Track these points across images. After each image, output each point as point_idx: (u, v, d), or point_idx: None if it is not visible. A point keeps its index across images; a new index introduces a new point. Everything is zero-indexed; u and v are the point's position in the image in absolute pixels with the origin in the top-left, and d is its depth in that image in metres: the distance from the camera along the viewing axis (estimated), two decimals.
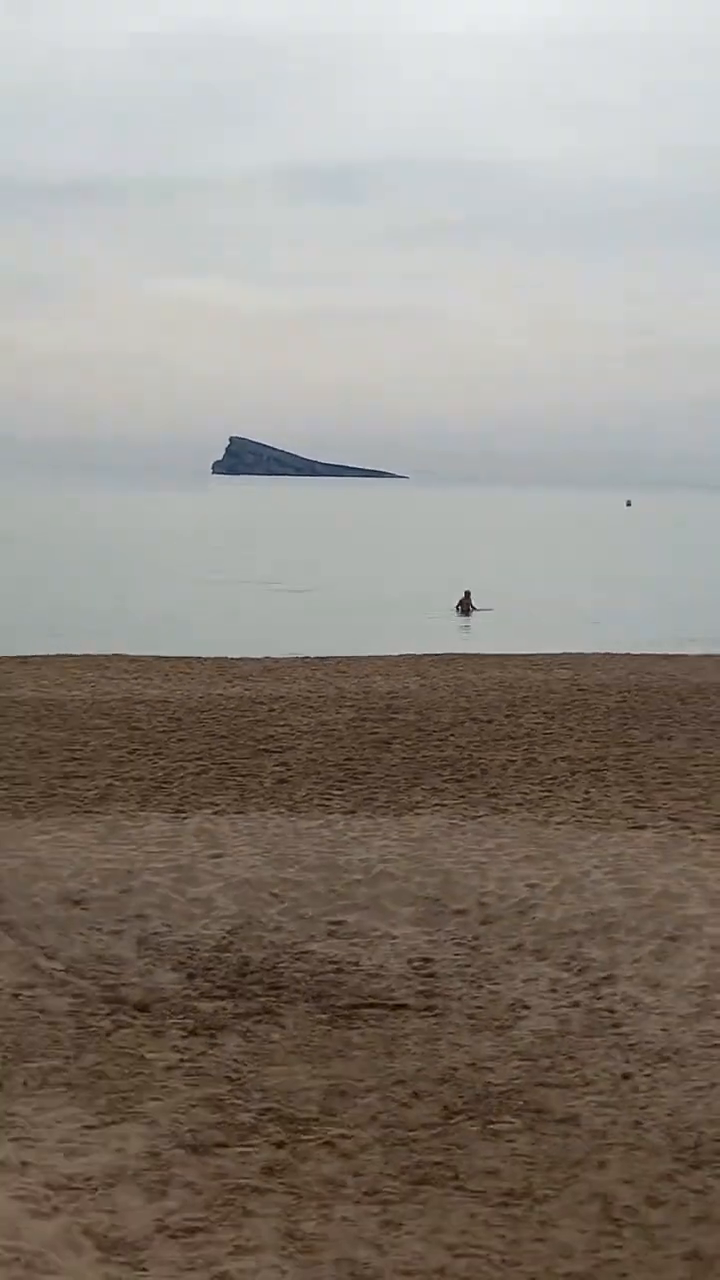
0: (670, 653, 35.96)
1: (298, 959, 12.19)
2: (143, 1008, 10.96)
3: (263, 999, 11.24)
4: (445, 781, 18.86)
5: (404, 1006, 11.14)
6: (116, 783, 18.49)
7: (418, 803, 17.56)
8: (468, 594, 48.16)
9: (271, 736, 22.02)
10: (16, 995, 10.99)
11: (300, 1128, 8.88)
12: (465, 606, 47.66)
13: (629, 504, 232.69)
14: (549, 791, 18.30)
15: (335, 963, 12.11)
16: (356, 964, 12.09)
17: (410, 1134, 8.84)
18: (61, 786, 18.19)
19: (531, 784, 18.76)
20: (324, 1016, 10.90)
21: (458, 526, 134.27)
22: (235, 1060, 9.99)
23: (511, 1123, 9.02)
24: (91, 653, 33.17)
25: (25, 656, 32.10)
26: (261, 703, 25.46)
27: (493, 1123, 9.02)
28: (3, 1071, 9.53)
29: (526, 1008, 11.11)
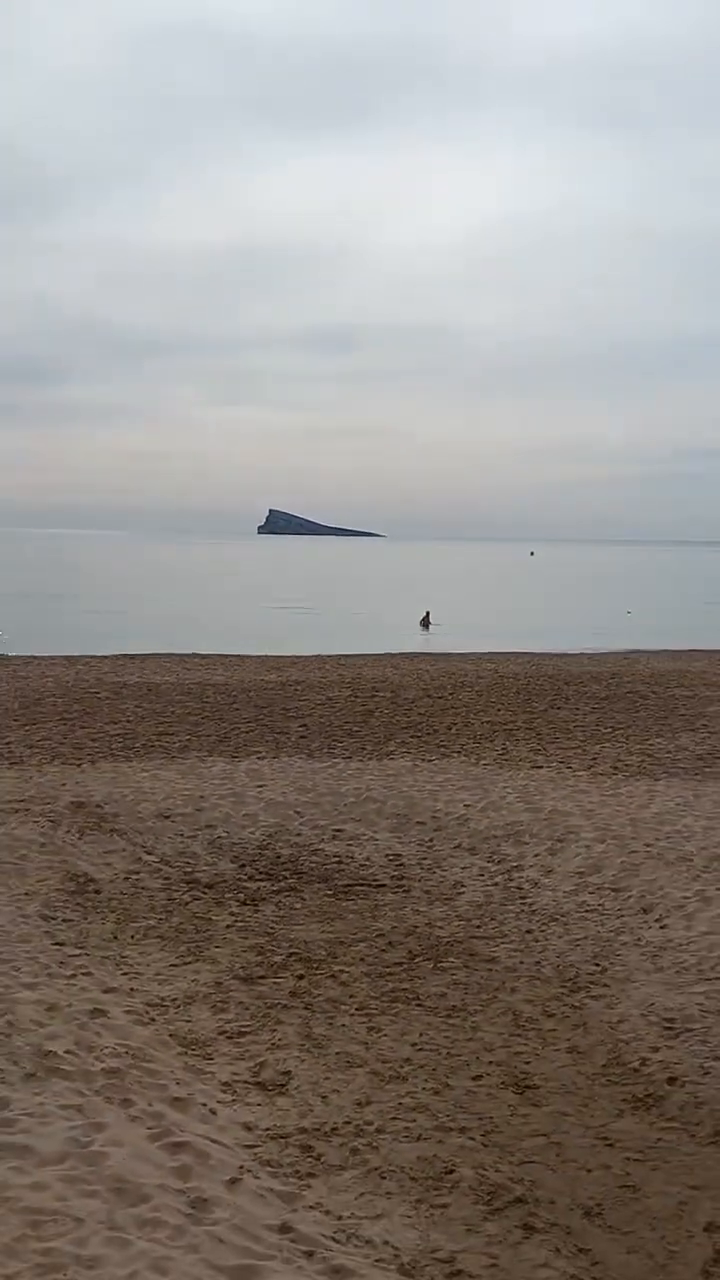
0: (559, 651, 35.95)
1: (313, 854, 12.19)
2: (210, 886, 10.98)
3: (290, 880, 11.25)
4: (410, 737, 18.85)
5: (383, 885, 11.16)
6: (193, 738, 18.47)
7: (392, 751, 17.56)
8: (427, 614, 48.08)
9: (296, 707, 22.00)
10: (127, 878, 11.02)
11: (314, 965, 8.89)
12: (425, 622, 47.57)
13: (532, 553, 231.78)
14: (478, 744, 18.31)
15: (337, 857, 12.12)
16: (351, 857, 12.10)
17: (386, 970, 8.86)
18: (157, 740, 18.17)
19: (467, 739, 18.77)
20: (330, 892, 10.91)
21: (421, 568, 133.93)
22: (271, 921, 10.01)
23: (453, 962, 9.05)
24: (175, 652, 33.11)
25: (132, 654, 32.04)
26: (290, 685, 25.44)
27: (441, 962, 9.05)
28: (118, 929, 9.56)
29: (464, 886, 11.14)
